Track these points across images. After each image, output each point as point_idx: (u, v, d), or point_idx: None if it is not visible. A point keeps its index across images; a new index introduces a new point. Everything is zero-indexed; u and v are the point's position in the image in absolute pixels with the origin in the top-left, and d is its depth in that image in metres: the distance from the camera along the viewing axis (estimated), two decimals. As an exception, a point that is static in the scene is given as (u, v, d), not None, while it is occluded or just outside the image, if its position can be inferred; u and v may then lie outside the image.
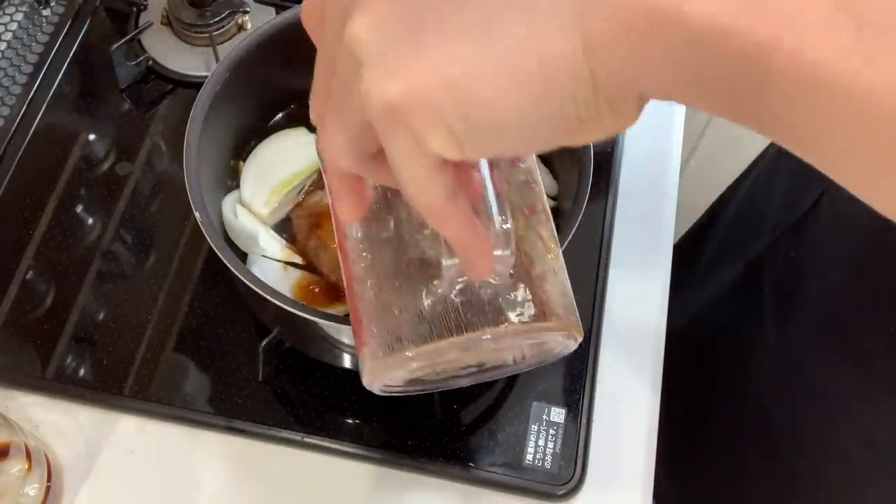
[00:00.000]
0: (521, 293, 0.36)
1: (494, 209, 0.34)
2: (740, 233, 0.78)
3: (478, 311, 0.36)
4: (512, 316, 0.36)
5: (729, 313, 0.75)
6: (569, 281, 0.40)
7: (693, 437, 0.81)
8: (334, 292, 0.62)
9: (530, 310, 0.36)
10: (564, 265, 0.40)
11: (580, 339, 0.39)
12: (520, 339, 0.38)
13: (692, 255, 0.89)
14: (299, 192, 0.67)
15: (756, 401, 0.70)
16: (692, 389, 0.81)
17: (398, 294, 0.37)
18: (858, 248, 0.57)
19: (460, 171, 0.32)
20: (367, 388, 0.39)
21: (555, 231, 0.40)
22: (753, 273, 0.71)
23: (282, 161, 0.66)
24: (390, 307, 0.37)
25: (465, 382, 0.44)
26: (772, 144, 0.80)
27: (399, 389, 0.41)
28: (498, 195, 0.35)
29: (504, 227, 0.35)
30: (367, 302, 0.38)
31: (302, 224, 0.64)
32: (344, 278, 0.39)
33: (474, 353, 0.37)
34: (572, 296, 0.39)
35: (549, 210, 0.40)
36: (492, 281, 0.36)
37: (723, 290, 0.77)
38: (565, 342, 0.39)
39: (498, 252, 0.34)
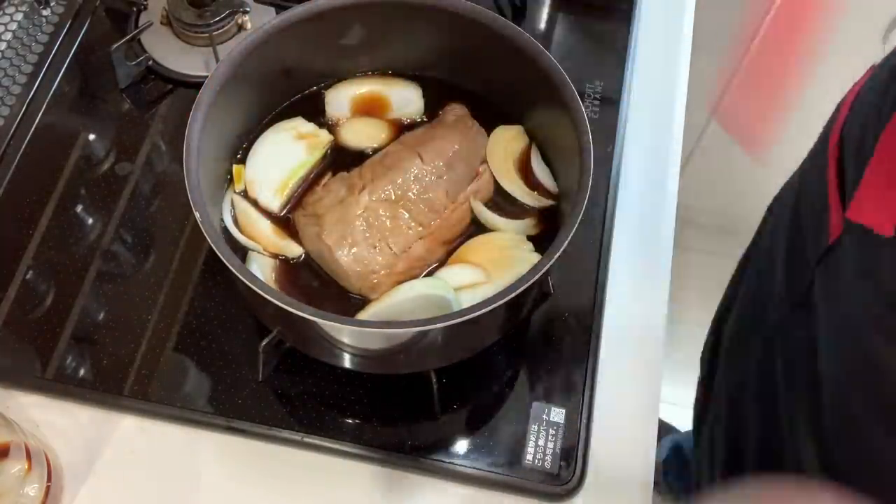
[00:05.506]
0: None
1: None
2: (757, 310, 0.78)
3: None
4: None
5: (755, 389, 0.75)
6: None
7: None
8: (331, 289, 0.62)
9: None
10: None
11: None
12: None
13: (720, 334, 0.89)
14: (305, 180, 0.65)
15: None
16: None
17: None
18: (848, 343, 0.57)
19: None
20: None
21: None
22: (769, 350, 0.71)
23: (284, 153, 0.66)
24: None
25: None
26: (764, 222, 0.80)
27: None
28: None
29: None
30: None
31: (303, 223, 0.64)
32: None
33: None
34: None
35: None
36: None
37: (750, 366, 0.76)
38: None
39: None
